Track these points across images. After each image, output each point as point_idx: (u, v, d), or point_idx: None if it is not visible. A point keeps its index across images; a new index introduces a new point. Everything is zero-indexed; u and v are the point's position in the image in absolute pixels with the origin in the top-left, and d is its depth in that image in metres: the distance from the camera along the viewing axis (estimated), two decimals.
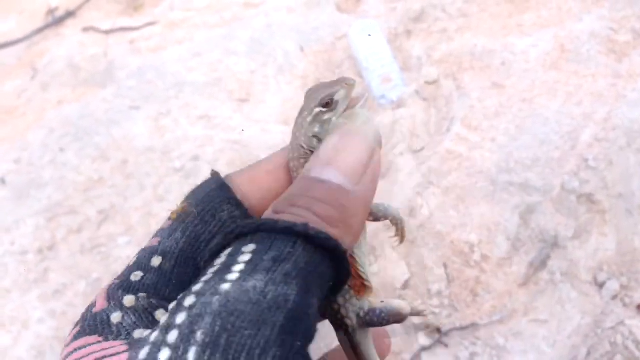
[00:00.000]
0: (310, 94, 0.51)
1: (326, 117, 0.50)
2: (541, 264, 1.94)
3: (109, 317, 0.41)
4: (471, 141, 2.24)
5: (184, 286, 0.40)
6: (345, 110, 0.50)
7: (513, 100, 2.30)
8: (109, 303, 0.42)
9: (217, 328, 0.34)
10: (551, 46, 2.44)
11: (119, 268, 1.99)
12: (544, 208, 2.00)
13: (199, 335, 0.34)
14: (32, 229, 2.15)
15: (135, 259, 0.46)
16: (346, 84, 0.50)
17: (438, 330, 1.87)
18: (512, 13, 2.68)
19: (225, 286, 0.36)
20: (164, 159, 2.30)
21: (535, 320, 1.87)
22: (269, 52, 2.70)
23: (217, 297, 0.36)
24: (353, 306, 0.52)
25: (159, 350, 0.34)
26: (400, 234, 0.57)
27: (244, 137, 2.37)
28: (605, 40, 2.41)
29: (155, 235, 0.48)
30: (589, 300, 1.88)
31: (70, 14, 3.64)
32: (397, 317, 0.52)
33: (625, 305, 1.84)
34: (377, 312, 0.52)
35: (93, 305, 0.42)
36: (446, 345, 1.84)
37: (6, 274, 2.06)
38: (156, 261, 0.45)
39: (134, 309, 0.41)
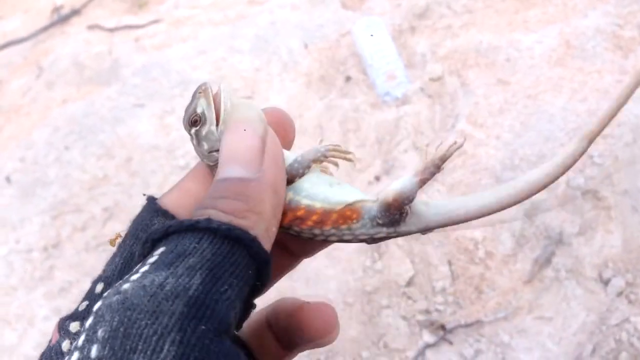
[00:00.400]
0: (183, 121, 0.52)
1: (204, 131, 0.49)
2: (546, 261, 1.93)
3: (60, 347, 0.43)
4: (476, 138, 2.23)
5: None
6: (220, 111, 0.49)
7: (518, 96, 2.29)
8: (60, 334, 0.45)
9: (114, 323, 0.36)
10: (556, 42, 2.43)
11: None
12: (548, 205, 1.99)
13: (99, 333, 0.36)
14: (38, 227, 2.16)
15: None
16: (200, 92, 0.50)
17: (442, 327, 1.87)
18: (517, 9, 2.67)
19: (126, 285, 0.38)
20: (168, 156, 2.30)
21: (540, 317, 1.86)
22: (273, 49, 2.70)
23: (117, 296, 0.38)
24: (354, 228, 0.51)
25: (70, 355, 0.37)
26: (338, 158, 0.55)
27: None
28: (611, 36, 2.39)
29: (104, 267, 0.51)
30: (594, 297, 1.87)
31: (75, 12, 3.65)
32: (408, 194, 0.51)
33: (630, 302, 1.83)
34: (386, 207, 0.51)
35: (50, 341, 0.45)
36: (451, 343, 1.84)
37: (12, 271, 2.07)
38: (99, 288, 0.47)
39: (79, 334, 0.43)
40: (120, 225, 2.15)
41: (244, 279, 0.42)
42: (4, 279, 2.06)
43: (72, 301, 1.96)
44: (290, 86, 2.56)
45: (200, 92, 0.50)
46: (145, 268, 0.39)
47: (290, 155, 0.52)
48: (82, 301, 0.47)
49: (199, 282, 0.39)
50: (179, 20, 3.13)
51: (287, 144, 0.53)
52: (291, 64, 2.64)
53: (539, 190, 0.52)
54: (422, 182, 0.52)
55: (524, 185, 0.51)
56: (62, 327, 0.45)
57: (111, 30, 3.26)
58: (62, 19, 3.61)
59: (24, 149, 2.45)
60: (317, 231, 0.51)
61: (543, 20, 2.55)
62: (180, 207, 0.51)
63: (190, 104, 0.51)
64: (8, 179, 2.35)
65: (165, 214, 0.50)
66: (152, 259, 0.40)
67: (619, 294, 1.86)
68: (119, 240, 0.50)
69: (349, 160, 0.54)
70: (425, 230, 0.53)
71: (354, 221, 0.51)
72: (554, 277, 1.90)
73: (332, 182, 0.53)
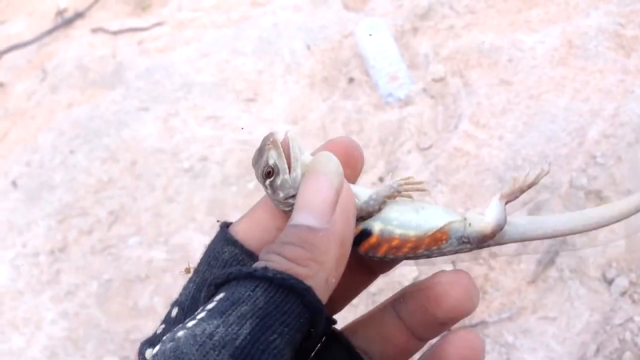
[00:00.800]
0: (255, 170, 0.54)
1: (278, 181, 0.51)
2: (550, 261, 1.94)
3: None
4: (479, 138, 2.24)
5: None
6: (291, 158, 0.51)
7: (520, 97, 2.29)
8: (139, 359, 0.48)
9: None
10: (559, 42, 2.43)
11: (130, 268, 2.01)
12: (552, 205, 2.00)
13: None
14: (44, 231, 2.18)
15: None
16: (269, 144, 0.51)
17: None
18: (519, 9, 2.67)
19: (180, 333, 0.40)
20: (173, 159, 2.32)
21: (544, 317, 1.87)
22: (276, 51, 2.71)
23: (171, 343, 0.40)
24: (443, 247, 0.54)
25: None
26: (411, 191, 0.56)
27: (252, 137, 2.38)
28: (613, 35, 2.39)
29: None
30: (597, 297, 1.88)
31: (79, 15, 3.67)
32: (503, 224, 0.54)
33: (634, 301, 1.84)
34: (482, 237, 0.54)
35: None
36: None
37: (19, 275, 2.09)
38: (174, 312, 0.50)
39: None
40: (126, 228, 2.17)
41: (295, 327, 0.42)
42: (11, 283, 2.08)
43: (78, 304, 1.98)
44: (294, 88, 2.57)
45: (269, 144, 0.51)
46: (202, 315, 0.41)
47: (363, 192, 0.53)
48: (160, 324, 0.50)
49: (247, 332, 0.40)
50: (182, 22, 3.14)
51: (355, 174, 0.54)
52: (294, 65, 2.65)
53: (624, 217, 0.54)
54: (507, 203, 0.55)
55: (603, 214, 0.54)
56: (141, 351, 0.47)
57: (115, 33, 3.28)
58: (66, 22, 3.62)
59: (30, 153, 2.47)
60: (410, 255, 0.53)
61: (545, 20, 2.56)
62: (250, 237, 0.52)
63: (260, 156, 0.52)
64: (14, 183, 2.37)
65: (235, 243, 0.51)
66: (210, 305, 0.42)
67: (623, 293, 1.86)
68: (191, 271, 0.53)
69: (423, 190, 0.56)
70: (501, 243, 0.57)
71: (444, 242, 0.53)
72: (558, 277, 1.91)
73: (417, 206, 0.54)
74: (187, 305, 0.49)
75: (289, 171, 0.50)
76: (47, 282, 2.05)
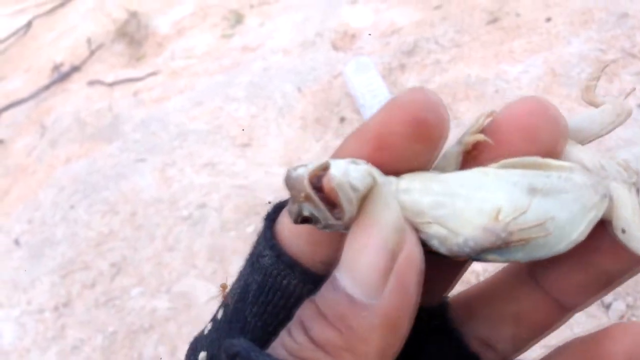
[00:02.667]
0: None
1: (321, 226, 0.36)
2: None
3: None
4: None
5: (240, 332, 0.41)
6: (342, 205, 0.35)
7: None
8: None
9: None
10: (542, 71, 2.49)
11: (133, 319, 2.03)
12: None
13: None
14: (48, 287, 2.21)
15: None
16: (302, 198, 0.35)
17: None
18: (503, 40, 2.74)
19: None
20: (171, 208, 2.36)
21: (545, 345, 1.88)
22: (268, 95, 2.77)
23: None
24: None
25: None
26: (526, 240, 0.36)
27: (249, 182, 2.43)
28: (595, 61, 2.45)
29: None
30: (596, 322, 1.89)
31: (75, 69, 3.76)
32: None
33: None
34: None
35: None
36: None
37: (25, 333, 2.11)
38: (220, 314, 0.43)
39: None
40: (129, 279, 2.20)
41: None
42: (17, 341, 2.10)
43: (84, 358, 2.00)
44: (287, 130, 2.62)
45: (302, 198, 0.35)
46: None
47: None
48: (208, 322, 0.44)
49: None
50: (176, 71, 3.22)
51: (431, 151, 0.36)
52: (286, 108, 2.70)
53: None
54: None
55: None
56: (194, 349, 0.43)
57: (111, 84, 3.36)
58: (62, 76, 3.71)
59: (31, 210, 2.51)
60: None
61: (528, 49, 2.62)
62: (295, 240, 0.40)
63: (292, 203, 0.37)
64: (17, 242, 2.41)
65: (273, 247, 0.40)
66: None
67: (621, 317, 1.88)
68: (227, 287, 0.46)
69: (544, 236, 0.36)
70: None
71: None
72: None
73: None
74: (229, 307, 0.41)
75: (336, 218, 0.35)
76: (53, 338, 2.08)
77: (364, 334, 0.33)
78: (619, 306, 1.88)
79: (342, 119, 2.60)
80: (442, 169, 0.37)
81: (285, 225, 0.40)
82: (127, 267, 2.21)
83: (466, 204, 0.35)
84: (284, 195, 0.37)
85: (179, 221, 2.31)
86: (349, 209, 0.34)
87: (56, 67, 3.84)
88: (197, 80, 2.98)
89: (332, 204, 0.34)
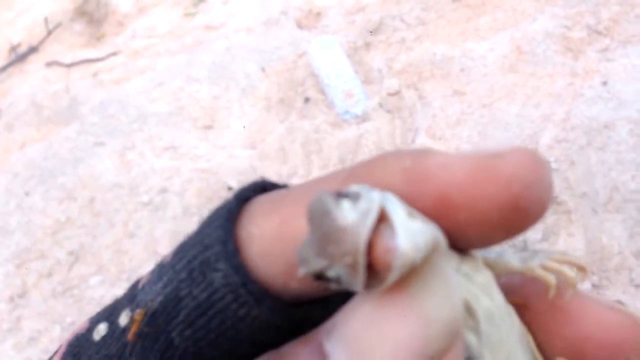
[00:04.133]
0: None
1: (333, 285, 0.26)
2: None
3: None
4: None
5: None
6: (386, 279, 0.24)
7: (474, 106, 2.31)
8: None
9: None
10: (508, 49, 2.46)
11: (92, 309, 1.98)
12: None
13: None
14: (2, 277, 2.14)
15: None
16: (347, 259, 0.23)
17: None
18: (469, 17, 2.70)
19: None
20: (131, 193, 2.29)
21: None
22: (231, 75, 2.70)
23: None
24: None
25: None
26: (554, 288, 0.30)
27: (212, 165, 2.37)
28: (560, 38, 2.43)
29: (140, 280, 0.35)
30: None
31: (32, 49, 3.63)
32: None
33: None
34: None
35: None
36: None
37: None
38: (124, 319, 0.33)
39: None
40: (87, 267, 2.14)
41: None
42: None
43: (42, 350, 1.95)
44: (250, 111, 2.56)
45: (341, 260, 0.23)
46: None
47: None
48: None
49: None
50: (137, 51, 3.12)
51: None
52: (249, 88, 2.64)
53: None
54: None
55: None
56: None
57: (69, 65, 3.24)
58: (19, 57, 3.58)
59: None
60: None
61: (494, 27, 2.59)
62: (264, 257, 0.30)
63: (314, 258, 0.25)
64: None
65: (237, 268, 0.29)
66: None
67: None
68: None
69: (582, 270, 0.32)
70: None
71: None
72: None
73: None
74: (150, 316, 0.31)
75: (365, 286, 0.24)
76: (9, 330, 2.01)
77: None
78: (584, 285, 1.88)
79: (307, 99, 2.55)
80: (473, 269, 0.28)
81: (255, 236, 0.29)
82: (85, 255, 2.15)
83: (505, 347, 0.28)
84: (248, 178, 0.30)
85: (140, 207, 2.25)
86: (389, 283, 0.24)
87: (13, 48, 3.70)
88: (158, 60, 2.90)
89: (372, 271, 0.23)
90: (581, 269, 0.30)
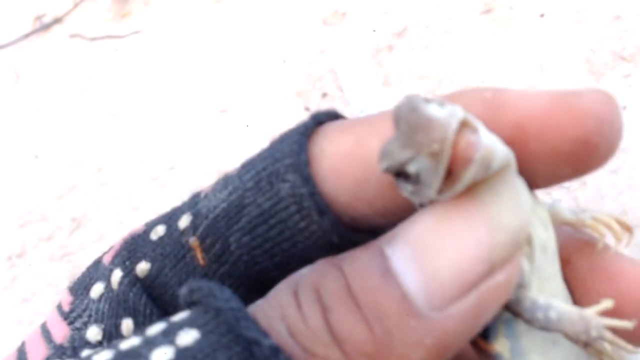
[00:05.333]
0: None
1: (411, 188, 0.26)
2: None
3: None
4: None
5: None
6: (461, 178, 0.25)
7: None
8: None
9: None
10: (530, 66, 2.45)
11: None
12: None
13: None
14: (3, 236, 2.14)
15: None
16: (434, 150, 0.24)
17: None
18: (494, 31, 2.70)
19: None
20: (140, 167, 2.29)
21: None
22: (251, 63, 2.71)
23: None
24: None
25: None
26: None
27: (223, 148, 2.37)
28: (584, 61, 2.42)
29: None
30: None
31: (57, 20, 3.65)
32: None
33: None
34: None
35: None
36: None
37: None
38: (184, 222, 0.34)
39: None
40: (88, 235, 2.13)
41: None
42: None
43: (33, 312, 1.94)
44: (266, 102, 2.56)
45: (427, 149, 0.24)
46: (139, 341, 0.25)
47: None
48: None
49: None
50: (161, 32, 3.13)
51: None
52: (268, 78, 2.64)
53: None
54: None
55: None
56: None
57: (91, 39, 3.26)
58: (43, 27, 3.60)
59: None
60: None
61: (518, 43, 2.58)
62: (334, 173, 0.30)
63: (398, 149, 0.25)
64: None
65: (306, 179, 0.29)
66: (154, 330, 0.25)
67: None
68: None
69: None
70: None
71: None
72: None
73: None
74: (209, 225, 0.31)
75: (438, 190, 0.25)
76: (4, 288, 2.01)
77: (404, 349, 0.23)
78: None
79: (324, 95, 2.55)
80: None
81: (328, 152, 0.29)
82: (87, 223, 2.15)
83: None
84: None
85: (147, 181, 2.25)
86: (464, 185, 0.25)
87: (38, 18, 3.72)
88: (180, 42, 2.90)
89: (450, 174, 0.25)
90: (628, 228, 0.32)
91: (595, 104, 0.27)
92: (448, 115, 0.25)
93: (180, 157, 2.33)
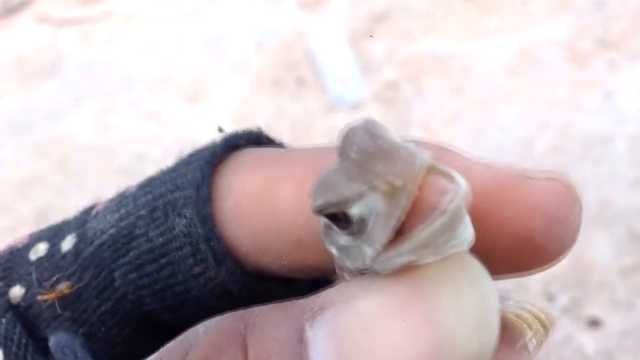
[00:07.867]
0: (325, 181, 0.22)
1: (349, 243, 0.21)
2: None
3: None
4: None
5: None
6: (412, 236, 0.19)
7: (472, 106, 2.25)
8: None
9: None
10: (513, 52, 2.40)
11: None
12: None
13: None
14: None
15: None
16: (397, 187, 0.19)
17: None
18: (477, 16, 2.63)
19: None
20: (107, 157, 2.21)
21: None
22: (225, 48, 2.62)
23: None
24: None
25: None
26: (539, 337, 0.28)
27: (194, 136, 2.28)
28: (567, 47, 2.37)
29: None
30: None
31: (24, 3, 3.52)
32: None
33: (574, 318, 1.80)
34: None
35: None
36: None
37: None
38: (67, 244, 0.30)
39: None
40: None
41: None
42: None
43: None
44: (241, 87, 2.48)
45: (385, 184, 0.19)
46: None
47: None
48: None
49: None
50: (130, 14, 3.02)
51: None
52: (242, 64, 2.55)
53: None
54: None
55: None
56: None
57: (59, 22, 3.15)
58: (9, 10, 3.47)
59: None
60: None
61: (501, 28, 2.52)
62: (238, 215, 0.26)
63: (346, 181, 0.20)
64: None
65: (205, 219, 0.26)
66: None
67: (564, 310, 1.82)
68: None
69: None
70: None
71: None
72: None
73: None
74: (99, 244, 0.28)
75: (382, 252, 0.20)
76: None
77: None
78: (562, 298, 1.82)
79: (301, 81, 2.47)
80: None
81: (235, 189, 0.25)
82: (52, 214, 2.05)
83: None
84: None
85: (114, 171, 2.17)
86: (413, 249, 0.19)
87: (4, 2, 3.59)
88: (151, 26, 2.80)
89: (403, 224, 0.19)
90: (546, 328, 0.28)
91: (549, 196, 0.22)
92: (419, 150, 0.20)
93: (150, 146, 2.24)
